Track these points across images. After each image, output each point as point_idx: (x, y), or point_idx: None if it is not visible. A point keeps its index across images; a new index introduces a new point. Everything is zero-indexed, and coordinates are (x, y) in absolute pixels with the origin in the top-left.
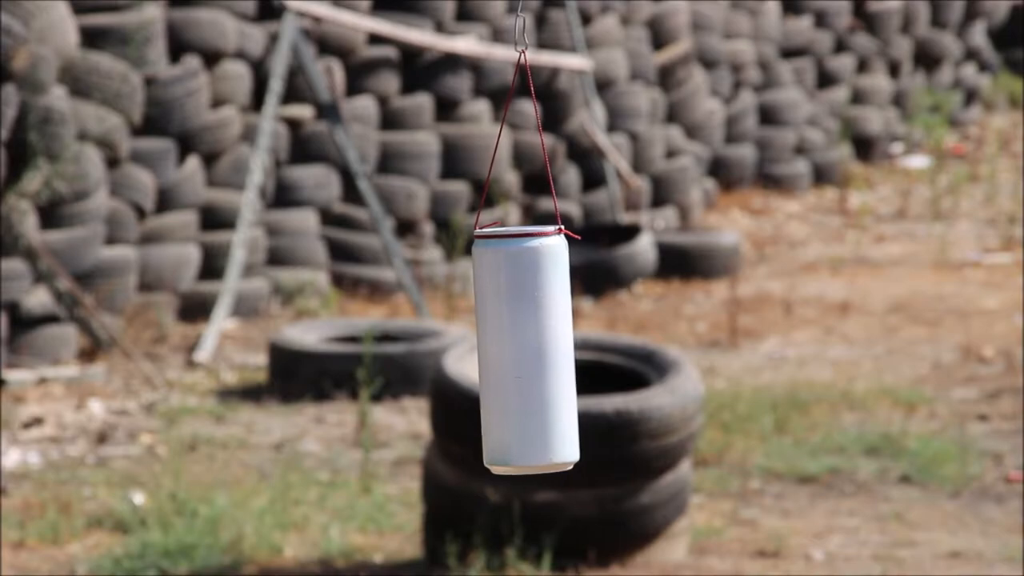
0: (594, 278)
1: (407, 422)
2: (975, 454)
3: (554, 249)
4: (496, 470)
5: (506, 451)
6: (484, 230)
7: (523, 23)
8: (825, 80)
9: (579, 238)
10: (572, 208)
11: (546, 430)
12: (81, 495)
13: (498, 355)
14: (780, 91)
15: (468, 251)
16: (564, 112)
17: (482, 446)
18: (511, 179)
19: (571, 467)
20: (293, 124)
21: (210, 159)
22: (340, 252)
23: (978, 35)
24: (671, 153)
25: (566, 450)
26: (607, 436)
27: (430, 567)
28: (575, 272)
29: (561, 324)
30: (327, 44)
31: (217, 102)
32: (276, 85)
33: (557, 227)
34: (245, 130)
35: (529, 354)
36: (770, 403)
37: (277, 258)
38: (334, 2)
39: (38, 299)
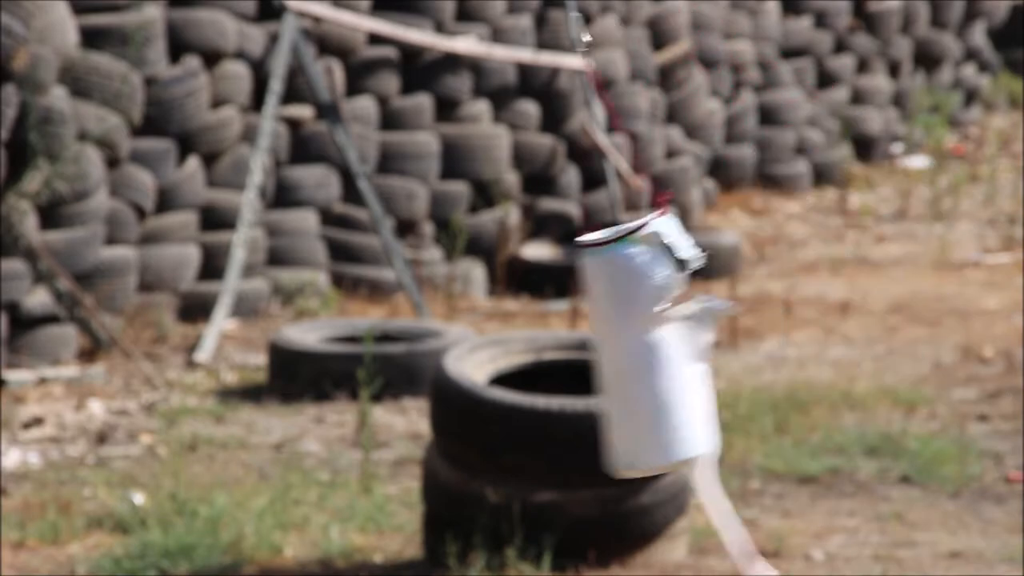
0: None
1: (407, 422)
2: (975, 454)
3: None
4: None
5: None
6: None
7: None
8: (825, 80)
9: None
10: (572, 208)
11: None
12: (81, 495)
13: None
14: (780, 91)
15: (468, 251)
16: (564, 112)
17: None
18: (511, 179)
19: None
20: (293, 124)
21: (210, 159)
22: (340, 252)
23: (978, 35)
24: (671, 153)
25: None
26: None
27: (430, 567)
28: (575, 273)
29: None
30: (327, 44)
31: (217, 102)
32: (276, 85)
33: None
34: (245, 130)
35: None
36: (770, 403)
37: (277, 258)
38: (334, 2)
39: (38, 299)
